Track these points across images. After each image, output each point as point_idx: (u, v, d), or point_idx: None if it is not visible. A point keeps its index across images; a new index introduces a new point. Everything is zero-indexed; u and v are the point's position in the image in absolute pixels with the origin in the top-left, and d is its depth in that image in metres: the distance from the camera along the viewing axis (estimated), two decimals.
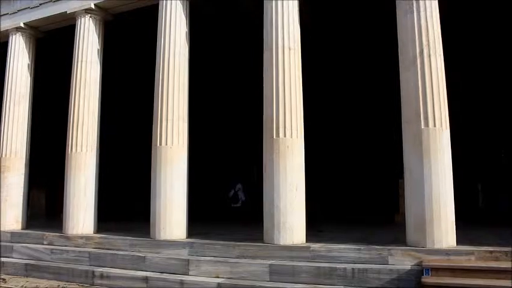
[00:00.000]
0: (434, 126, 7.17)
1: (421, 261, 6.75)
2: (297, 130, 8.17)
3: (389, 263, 7.00)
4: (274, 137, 8.12)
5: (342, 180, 14.98)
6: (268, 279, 7.40)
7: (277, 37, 8.42)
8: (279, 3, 8.51)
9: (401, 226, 7.91)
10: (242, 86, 16.37)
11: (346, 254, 7.38)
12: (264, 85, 8.47)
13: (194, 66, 9.97)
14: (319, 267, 7.21)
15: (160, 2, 9.80)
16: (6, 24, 12.38)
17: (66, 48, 12.36)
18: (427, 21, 7.43)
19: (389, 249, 7.11)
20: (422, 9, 7.47)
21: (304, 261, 7.51)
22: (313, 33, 11.97)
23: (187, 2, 9.84)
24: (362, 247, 7.39)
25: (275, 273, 7.40)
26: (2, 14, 12.53)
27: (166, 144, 9.16)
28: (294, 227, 7.93)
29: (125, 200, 16.84)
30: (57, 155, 14.10)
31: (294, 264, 7.42)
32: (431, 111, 7.20)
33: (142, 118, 10.75)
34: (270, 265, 7.49)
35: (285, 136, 8.08)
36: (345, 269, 7.01)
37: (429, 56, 7.32)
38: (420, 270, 6.63)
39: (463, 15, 11.73)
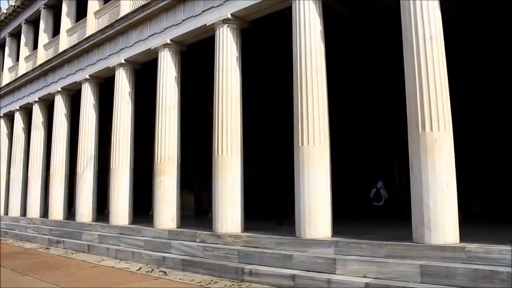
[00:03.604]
0: None
1: None
2: (445, 123, 7.65)
3: None
4: (420, 131, 7.71)
5: (495, 175, 13.61)
6: (420, 281, 7.06)
7: (417, 26, 7.99)
8: None
9: None
10: (378, 81, 15.90)
11: (507, 256, 6.70)
12: (405, 78, 8.09)
13: (330, 65, 9.93)
14: (476, 269, 6.68)
15: (293, 4, 9.98)
16: (155, 42, 13.68)
17: (201, 57, 13.28)
18: None
19: None
20: None
21: (458, 262, 7.02)
22: (455, 19, 11.14)
23: (320, 2, 9.86)
24: None
25: (426, 275, 7.03)
26: (151, 34, 13.93)
27: (308, 144, 9.25)
28: (446, 226, 7.45)
29: (271, 198, 17.31)
30: (203, 158, 15.14)
31: (448, 265, 6.97)
32: None
33: (287, 118, 10.92)
34: (421, 266, 7.14)
35: (431, 130, 7.62)
36: (508, 272, 6.39)
37: None
38: None
39: None
